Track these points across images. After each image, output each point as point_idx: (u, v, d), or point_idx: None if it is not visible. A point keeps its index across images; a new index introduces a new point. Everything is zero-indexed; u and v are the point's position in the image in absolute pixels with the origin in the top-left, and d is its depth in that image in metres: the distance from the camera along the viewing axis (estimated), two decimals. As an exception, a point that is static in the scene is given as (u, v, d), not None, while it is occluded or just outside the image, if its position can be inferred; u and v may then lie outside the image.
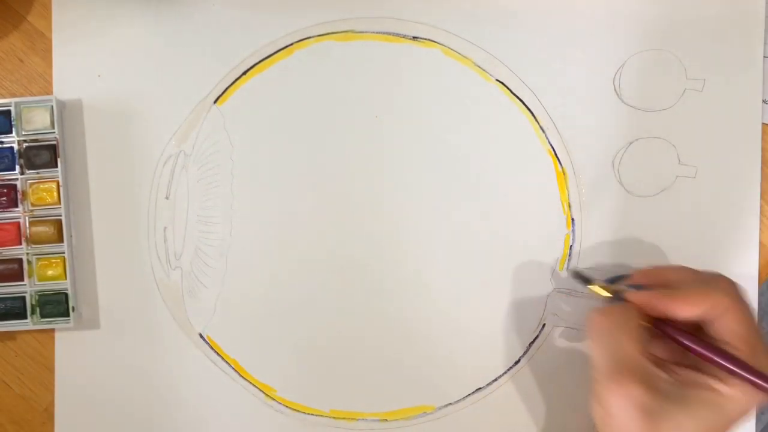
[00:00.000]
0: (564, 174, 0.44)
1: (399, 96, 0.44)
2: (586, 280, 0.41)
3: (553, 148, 0.44)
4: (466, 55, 0.44)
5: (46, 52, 0.45)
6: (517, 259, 0.44)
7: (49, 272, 0.44)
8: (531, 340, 0.44)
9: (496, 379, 0.44)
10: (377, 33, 0.44)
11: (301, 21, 0.44)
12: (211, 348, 0.45)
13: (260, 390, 0.45)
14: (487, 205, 0.44)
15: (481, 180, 0.44)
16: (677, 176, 0.44)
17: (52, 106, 0.43)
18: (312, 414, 0.44)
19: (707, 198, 0.43)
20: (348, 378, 0.44)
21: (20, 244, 0.44)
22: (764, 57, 0.43)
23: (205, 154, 0.45)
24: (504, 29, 0.44)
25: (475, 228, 0.44)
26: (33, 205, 0.44)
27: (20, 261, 0.43)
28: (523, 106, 0.44)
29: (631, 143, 0.44)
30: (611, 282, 0.40)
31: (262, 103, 0.45)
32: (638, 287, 0.37)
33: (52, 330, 0.45)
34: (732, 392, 0.33)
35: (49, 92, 0.45)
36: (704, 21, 0.44)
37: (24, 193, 0.44)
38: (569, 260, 0.44)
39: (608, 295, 0.39)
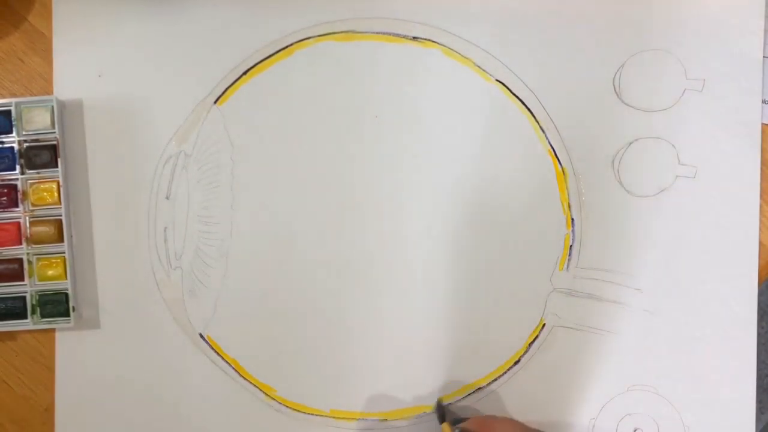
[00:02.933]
0: (564, 174, 0.44)
1: (399, 96, 0.44)
2: (441, 417, 0.42)
3: (553, 148, 0.44)
4: (466, 55, 0.44)
5: (46, 52, 0.45)
6: (517, 259, 0.44)
7: (50, 272, 0.44)
8: (531, 340, 0.44)
9: (496, 379, 0.44)
10: (377, 33, 0.44)
11: (301, 21, 0.44)
12: (211, 348, 0.45)
13: (260, 390, 0.45)
14: (487, 205, 0.44)
15: (481, 180, 0.44)
16: (677, 176, 0.44)
17: (52, 106, 0.43)
18: (312, 414, 0.44)
19: (707, 198, 0.43)
20: (348, 378, 0.44)
21: (20, 244, 0.44)
22: (764, 57, 0.43)
23: (206, 154, 0.45)
24: (504, 29, 0.44)
25: (475, 228, 0.44)
26: (33, 205, 0.44)
27: (20, 261, 0.43)
28: (523, 106, 0.44)
29: (631, 143, 0.44)
30: (455, 423, 0.41)
31: (262, 103, 0.45)
32: None
33: (53, 330, 0.45)
34: None
35: (50, 92, 0.45)
36: (704, 21, 0.44)
37: (24, 193, 0.44)
38: (569, 260, 0.44)
39: None
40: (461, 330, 0.44)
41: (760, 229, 0.43)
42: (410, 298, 0.44)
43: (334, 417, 0.45)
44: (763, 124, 0.43)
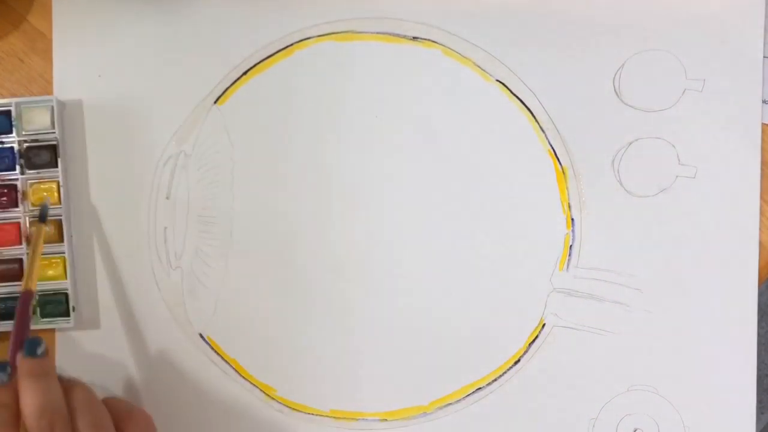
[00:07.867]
0: (564, 174, 0.44)
1: (399, 96, 0.44)
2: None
3: (553, 148, 0.44)
4: (466, 55, 0.44)
5: (46, 52, 0.45)
6: (517, 259, 0.44)
7: (50, 272, 0.43)
8: (531, 340, 0.44)
9: (496, 379, 0.44)
10: (377, 33, 0.44)
11: (301, 21, 0.44)
12: (211, 348, 0.45)
13: (260, 390, 0.45)
14: (487, 205, 0.44)
15: (480, 180, 0.44)
16: (677, 176, 0.44)
17: (52, 106, 0.43)
18: (312, 414, 0.44)
19: (707, 198, 0.43)
20: (348, 378, 0.44)
21: (20, 244, 0.44)
22: (764, 57, 0.43)
23: (206, 154, 0.45)
24: (504, 29, 0.44)
25: (475, 228, 0.44)
26: (33, 205, 0.44)
27: (20, 261, 0.43)
28: (523, 106, 0.44)
29: (631, 143, 0.44)
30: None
31: (262, 103, 0.45)
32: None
33: (53, 330, 0.45)
34: None
35: (50, 92, 0.45)
36: (704, 21, 0.44)
37: (24, 193, 0.44)
38: (569, 260, 0.44)
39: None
40: (461, 330, 0.44)
41: (760, 229, 0.43)
42: (410, 297, 0.44)
43: (334, 417, 0.45)
44: (763, 124, 0.43)
